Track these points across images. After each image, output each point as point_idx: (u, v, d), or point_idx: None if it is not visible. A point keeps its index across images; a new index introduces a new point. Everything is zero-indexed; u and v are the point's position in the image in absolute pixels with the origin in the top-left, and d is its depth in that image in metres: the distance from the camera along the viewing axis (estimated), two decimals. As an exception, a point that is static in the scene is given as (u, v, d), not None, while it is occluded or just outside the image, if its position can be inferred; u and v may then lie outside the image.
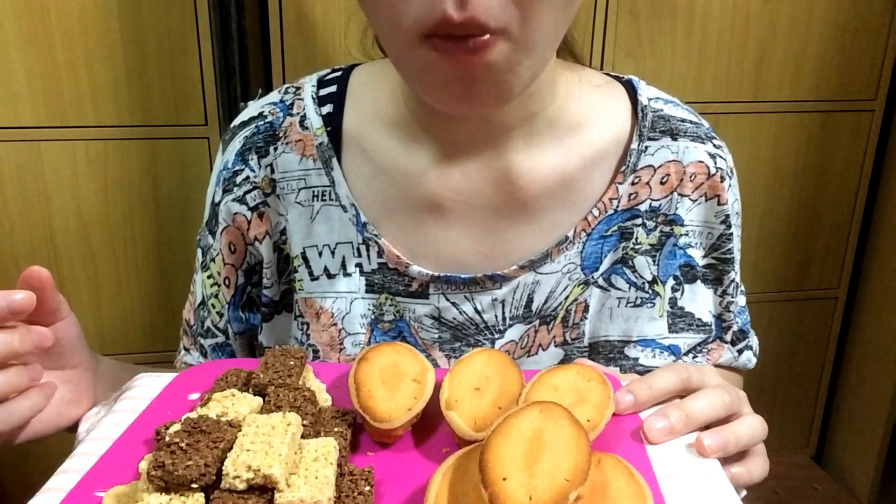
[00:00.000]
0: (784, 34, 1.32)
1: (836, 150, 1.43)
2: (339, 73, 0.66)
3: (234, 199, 0.64)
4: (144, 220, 1.21)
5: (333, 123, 0.63)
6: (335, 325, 0.63)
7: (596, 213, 0.62)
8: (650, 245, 0.63)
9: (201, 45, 1.13)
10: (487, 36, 0.44)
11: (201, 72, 1.15)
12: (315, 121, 0.63)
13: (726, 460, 0.47)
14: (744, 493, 0.50)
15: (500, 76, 0.48)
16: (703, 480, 0.43)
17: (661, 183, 0.63)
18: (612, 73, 0.68)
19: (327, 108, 0.63)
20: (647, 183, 0.63)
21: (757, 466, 0.50)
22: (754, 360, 0.73)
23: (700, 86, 1.33)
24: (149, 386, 0.53)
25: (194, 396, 0.51)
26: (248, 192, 0.63)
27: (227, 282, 0.66)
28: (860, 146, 1.44)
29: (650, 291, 0.63)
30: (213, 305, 0.67)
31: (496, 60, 0.46)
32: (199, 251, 0.68)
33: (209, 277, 0.67)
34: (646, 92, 0.65)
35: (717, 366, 0.70)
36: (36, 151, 1.14)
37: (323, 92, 0.64)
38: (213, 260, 0.66)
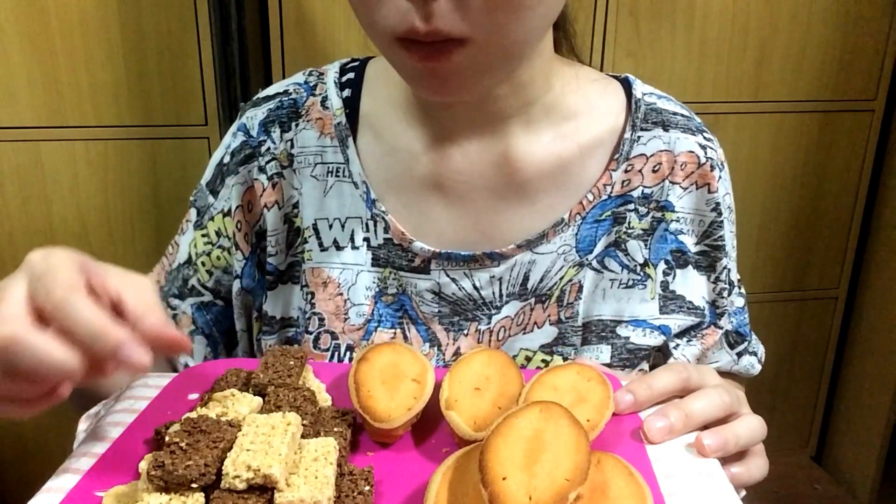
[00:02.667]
0: (784, 34, 1.32)
1: (836, 150, 1.44)
2: (357, 63, 0.69)
3: (254, 166, 0.66)
4: (144, 220, 1.21)
5: (351, 106, 0.66)
6: (341, 294, 0.65)
7: (591, 197, 0.64)
8: (642, 230, 0.65)
9: (201, 45, 1.13)
10: (450, 43, 0.49)
11: (201, 72, 1.15)
12: (336, 102, 0.66)
13: (726, 460, 0.47)
14: (743, 492, 0.50)
15: (469, 76, 0.52)
16: (703, 480, 0.43)
17: (653, 171, 0.65)
18: (609, 73, 0.70)
19: (346, 93, 0.67)
20: (640, 171, 0.65)
21: (757, 466, 0.50)
22: (758, 367, 0.73)
23: (700, 86, 1.33)
24: (149, 386, 0.53)
25: (194, 396, 0.51)
26: (268, 161, 0.66)
27: (247, 238, 0.67)
28: (860, 146, 1.44)
29: (642, 274, 0.65)
30: (204, 263, 0.68)
31: (461, 63, 0.50)
32: (194, 211, 0.69)
33: (203, 236, 0.68)
34: (640, 88, 0.67)
35: (717, 372, 0.70)
36: (36, 151, 1.14)
37: (344, 78, 0.68)
38: (211, 219, 0.68)
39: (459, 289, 0.64)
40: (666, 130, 0.65)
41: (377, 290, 0.65)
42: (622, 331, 0.65)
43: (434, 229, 0.64)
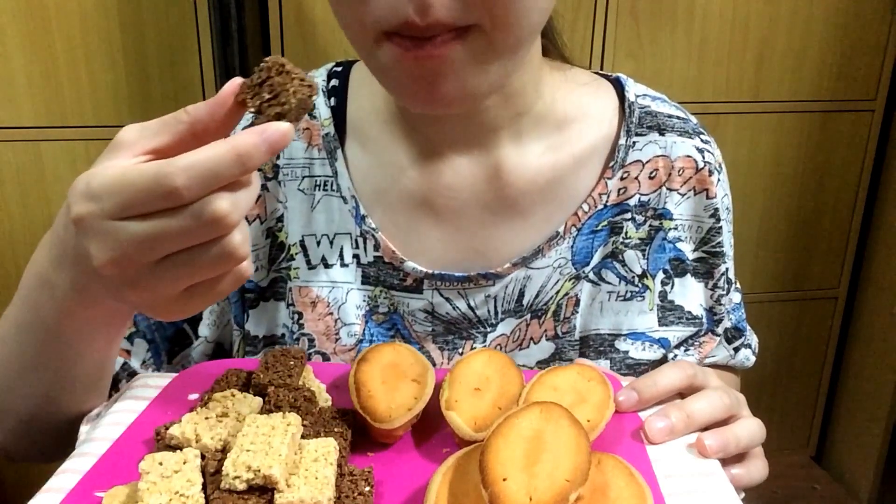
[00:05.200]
0: (784, 34, 1.32)
1: (836, 150, 1.43)
2: (341, 68, 0.67)
3: None
4: (144, 220, 1.20)
5: (338, 116, 0.64)
6: (331, 314, 0.63)
7: (586, 208, 0.62)
8: (640, 239, 0.64)
9: (201, 45, 1.13)
10: (452, 34, 0.46)
11: (201, 72, 1.15)
12: (323, 112, 0.64)
13: (726, 462, 0.47)
14: (743, 493, 0.50)
15: (464, 74, 0.48)
16: (704, 480, 0.43)
17: (650, 177, 0.63)
18: (600, 72, 0.68)
19: (333, 101, 0.64)
20: (636, 178, 0.63)
21: (756, 468, 0.50)
22: (753, 359, 0.73)
23: (700, 86, 1.33)
24: (149, 386, 0.53)
25: (194, 396, 0.51)
26: None
27: None
28: (860, 146, 1.44)
29: (640, 285, 0.64)
30: None
31: (459, 58, 0.47)
32: None
33: None
34: (633, 89, 0.65)
35: (714, 366, 0.70)
36: (36, 151, 1.14)
37: (330, 84, 0.65)
38: None
39: (454, 308, 0.62)
40: (662, 134, 0.63)
41: (367, 308, 0.63)
42: (621, 345, 0.63)
43: (425, 248, 0.62)
